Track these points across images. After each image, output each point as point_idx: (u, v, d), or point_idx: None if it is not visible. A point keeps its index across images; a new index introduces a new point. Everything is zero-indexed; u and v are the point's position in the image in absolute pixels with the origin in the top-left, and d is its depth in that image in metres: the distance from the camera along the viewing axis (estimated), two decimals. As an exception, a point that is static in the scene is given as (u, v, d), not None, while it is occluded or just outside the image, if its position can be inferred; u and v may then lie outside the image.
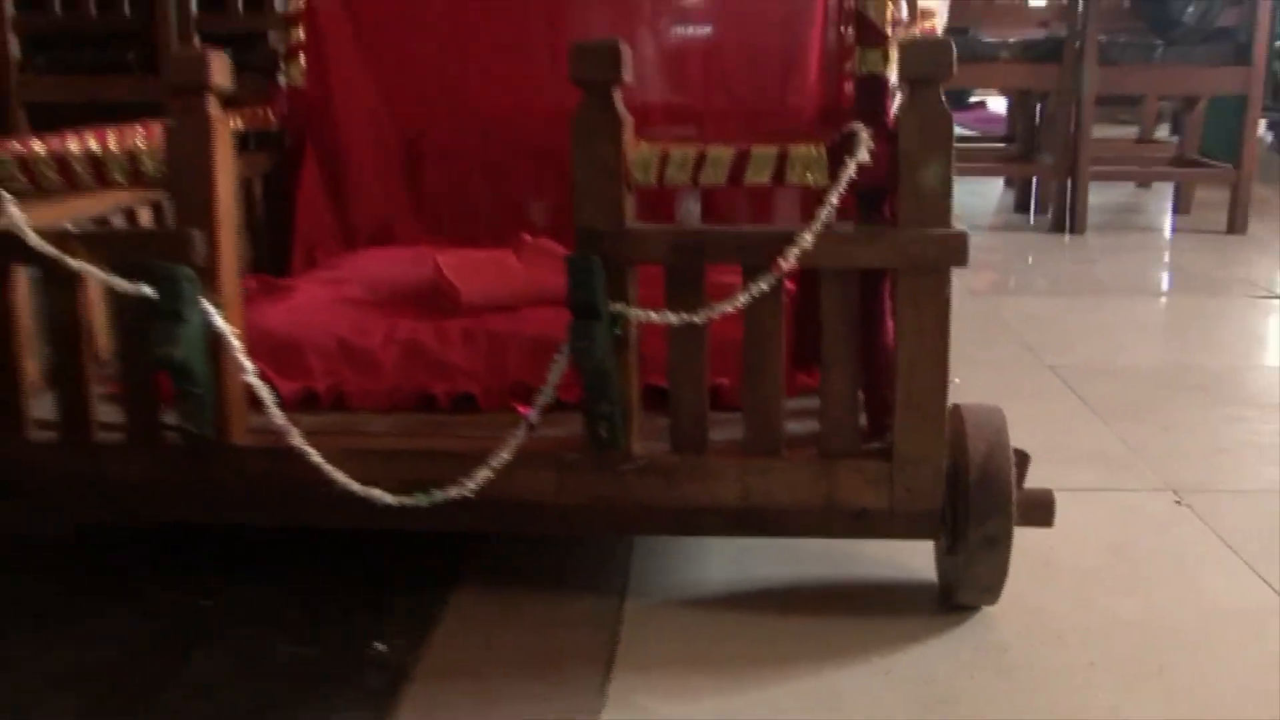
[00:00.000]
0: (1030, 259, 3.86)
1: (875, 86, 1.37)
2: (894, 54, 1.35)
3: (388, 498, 1.41)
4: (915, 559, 1.55)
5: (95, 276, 1.42)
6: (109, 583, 1.56)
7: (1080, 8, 3.58)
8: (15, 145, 1.53)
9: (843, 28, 2.16)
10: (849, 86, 2.16)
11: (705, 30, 2.22)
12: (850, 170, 1.31)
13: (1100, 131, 4.31)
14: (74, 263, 1.41)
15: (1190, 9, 3.57)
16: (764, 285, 1.33)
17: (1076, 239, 4.05)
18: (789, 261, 1.32)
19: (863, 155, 1.31)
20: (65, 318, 1.47)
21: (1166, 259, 3.87)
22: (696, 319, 1.35)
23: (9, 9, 3.62)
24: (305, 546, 1.64)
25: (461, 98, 2.24)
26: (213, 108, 1.40)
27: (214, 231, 1.41)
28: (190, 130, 1.40)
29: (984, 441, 1.39)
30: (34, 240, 1.41)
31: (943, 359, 1.35)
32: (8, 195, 1.46)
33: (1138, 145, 4.79)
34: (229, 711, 1.29)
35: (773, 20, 2.18)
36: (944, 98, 1.30)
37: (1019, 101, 4.15)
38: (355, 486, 1.41)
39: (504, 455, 1.39)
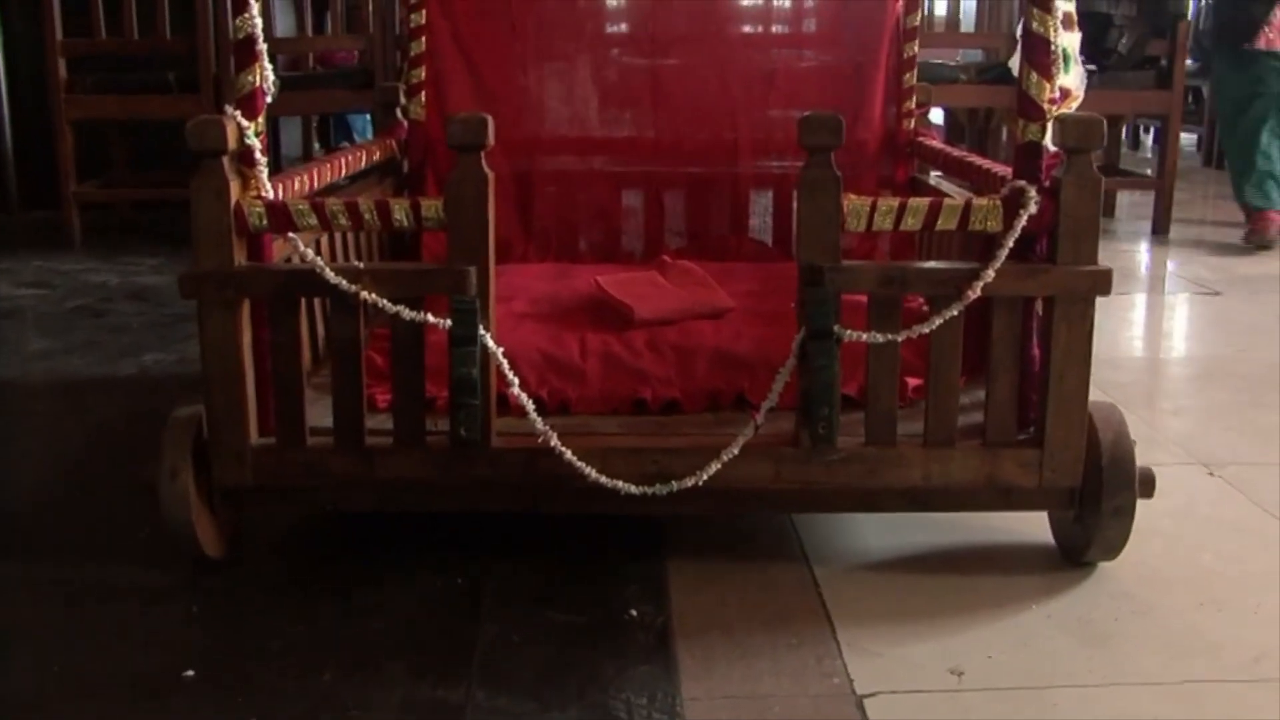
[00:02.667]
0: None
1: (1034, 151, 1.70)
2: (1049, 126, 1.68)
3: (632, 488, 1.70)
4: (1024, 526, 1.90)
5: (385, 308, 1.67)
6: (376, 565, 1.82)
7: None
8: (298, 185, 1.77)
9: (903, 74, 2.51)
10: (906, 123, 2.53)
11: (786, 72, 2.53)
12: (1023, 220, 1.65)
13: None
14: (368, 295, 1.66)
15: (1124, 40, 4.03)
16: (954, 311, 1.66)
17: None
18: (975, 291, 1.65)
19: (1032, 208, 1.65)
20: (347, 341, 1.71)
21: (1110, 259, 4.34)
22: (899, 338, 1.67)
23: (57, 32, 3.73)
24: (503, 531, 1.91)
25: (566, 131, 2.52)
26: (485, 165, 1.66)
27: (485, 267, 1.67)
28: (469, 181, 1.66)
29: (1111, 431, 1.75)
30: (333, 278, 1.66)
31: (1086, 367, 1.70)
32: (298, 239, 1.71)
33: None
34: (538, 668, 1.55)
35: (844, 65, 2.52)
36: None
37: (969, 117, 4.57)
38: (604, 480, 1.70)
39: (733, 450, 1.69)
